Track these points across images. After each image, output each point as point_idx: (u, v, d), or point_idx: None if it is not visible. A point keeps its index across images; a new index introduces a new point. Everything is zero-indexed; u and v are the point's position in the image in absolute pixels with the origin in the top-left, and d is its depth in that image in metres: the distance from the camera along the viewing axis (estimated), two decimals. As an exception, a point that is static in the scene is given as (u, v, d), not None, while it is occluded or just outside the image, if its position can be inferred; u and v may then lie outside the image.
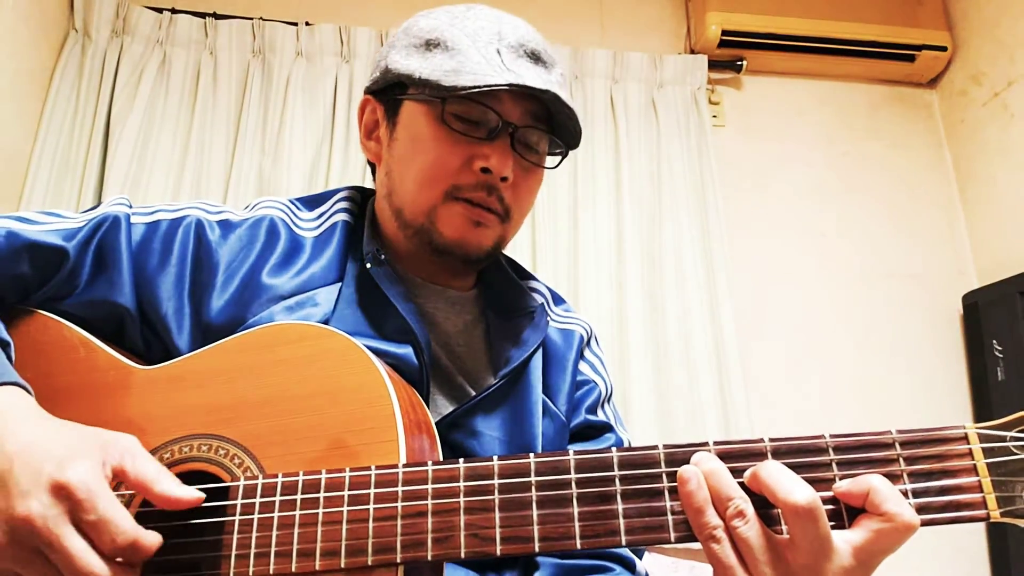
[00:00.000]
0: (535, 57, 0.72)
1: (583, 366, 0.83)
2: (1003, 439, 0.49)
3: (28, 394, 0.57)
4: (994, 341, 1.88)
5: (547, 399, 0.76)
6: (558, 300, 0.88)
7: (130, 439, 0.54)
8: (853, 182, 2.16)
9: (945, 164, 2.23)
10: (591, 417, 0.80)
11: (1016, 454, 0.48)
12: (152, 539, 0.50)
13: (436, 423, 0.66)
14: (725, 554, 0.47)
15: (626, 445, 0.81)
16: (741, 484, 0.48)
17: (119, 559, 0.49)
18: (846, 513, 0.48)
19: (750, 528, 0.46)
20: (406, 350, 0.68)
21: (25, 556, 0.49)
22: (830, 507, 0.48)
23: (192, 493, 0.53)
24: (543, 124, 0.74)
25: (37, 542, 0.47)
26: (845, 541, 0.47)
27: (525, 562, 0.71)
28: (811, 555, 0.45)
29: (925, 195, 2.19)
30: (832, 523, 0.47)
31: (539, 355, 0.77)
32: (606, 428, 0.81)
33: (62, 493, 0.48)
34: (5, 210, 0.86)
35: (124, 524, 0.49)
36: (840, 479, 0.49)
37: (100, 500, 0.48)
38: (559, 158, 0.79)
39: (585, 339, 0.85)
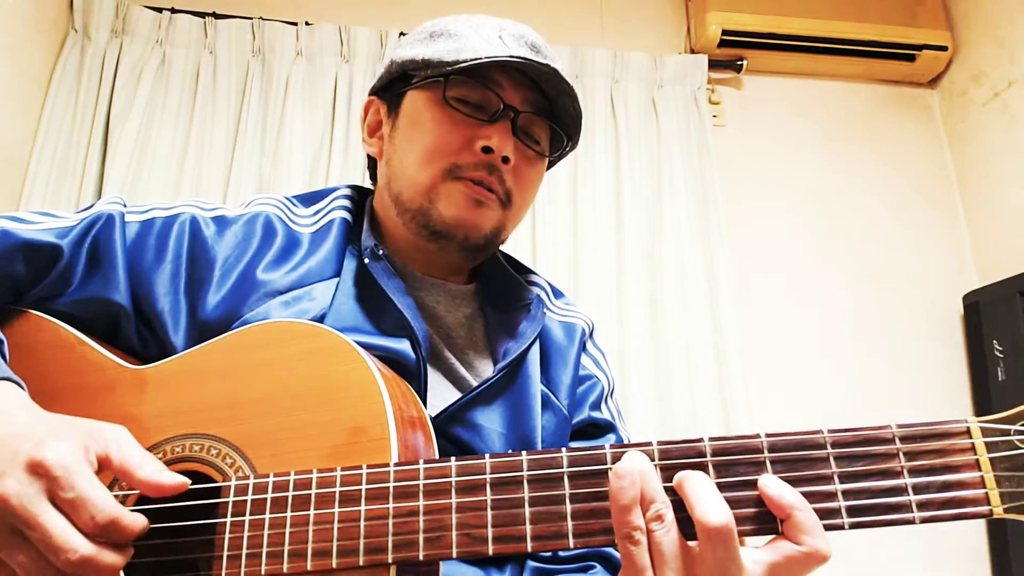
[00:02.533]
0: (535, 48, 0.74)
1: (585, 360, 0.83)
2: (1007, 432, 0.47)
3: (22, 390, 0.57)
4: (995, 341, 1.88)
5: (549, 392, 0.76)
6: (558, 293, 0.88)
7: (118, 428, 0.53)
8: (853, 182, 2.16)
9: (945, 164, 2.22)
10: (595, 414, 0.80)
11: (1021, 448, 0.46)
12: (134, 520, 0.49)
13: (434, 417, 0.66)
14: (639, 556, 0.46)
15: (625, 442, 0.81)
16: (668, 488, 0.48)
17: (101, 538, 0.48)
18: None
19: (666, 534, 0.46)
20: (403, 344, 0.68)
21: (5, 539, 0.47)
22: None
23: (176, 478, 0.52)
24: (543, 115, 0.75)
25: (15, 521, 0.46)
26: (754, 562, 0.46)
27: (521, 558, 0.70)
28: (717, 573, 0.45)
29: (925, 195, 2.18)
30: (768, 525, 0.46)
31: (536, 347, 0.77)
32: (609, 428, 0.81)
33: (39, 471, 0.47)
34: (4, 210, 0.85)
35: (102, 502, 0.48)
36: (837, 477, 0.48)
37: (77, 477, 0.47)
38: (560, 152, 0.80)
39: (587, 333, 0.85)
